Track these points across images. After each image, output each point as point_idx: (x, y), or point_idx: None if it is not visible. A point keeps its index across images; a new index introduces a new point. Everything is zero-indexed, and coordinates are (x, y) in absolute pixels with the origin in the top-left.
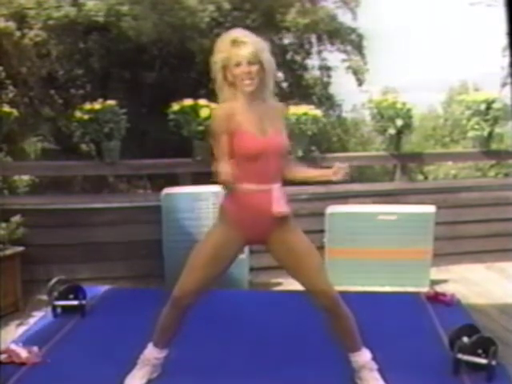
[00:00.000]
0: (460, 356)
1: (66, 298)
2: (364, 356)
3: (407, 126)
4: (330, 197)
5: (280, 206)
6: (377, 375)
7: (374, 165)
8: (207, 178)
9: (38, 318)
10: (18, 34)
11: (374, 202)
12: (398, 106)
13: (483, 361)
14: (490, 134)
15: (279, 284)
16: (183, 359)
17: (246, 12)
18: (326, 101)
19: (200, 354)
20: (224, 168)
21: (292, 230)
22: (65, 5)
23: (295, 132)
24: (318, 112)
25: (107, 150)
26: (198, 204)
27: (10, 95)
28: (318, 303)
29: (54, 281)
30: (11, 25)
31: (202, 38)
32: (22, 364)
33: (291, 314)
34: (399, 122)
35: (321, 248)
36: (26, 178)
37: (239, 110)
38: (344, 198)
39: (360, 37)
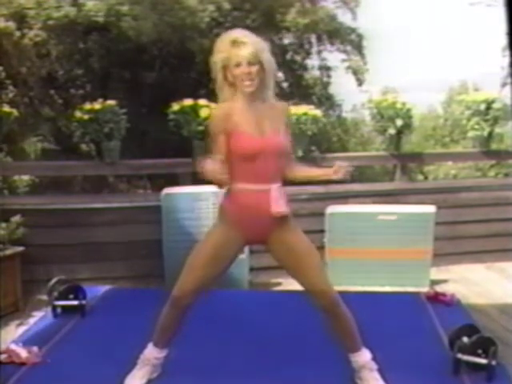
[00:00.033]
0: (460, 356)
1: (66, 298)
2: (364, 356)
3: (407, 126)
4: (329, 197)
5: (279, 206)
6: (377, 375)
7: (373, 165)
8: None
9: (38, 318)
10: (17, 34)
11: (374, 202)
12: (398, 106)
13: (483, 361)
14: (490, 134)
15: (279, 284)
16: (183, 359)
17: (246, 12)
18: (326, 101)
19: (200, 354)
20: (209, 165)
21: (292, 229)
22: (65, 5)
23: (295, 132)
24: (318, 112)
25: (107, 150)
26: (198, 204)
27: (10, 95)
28: (317, 303)
29: (54, 281)
30: (11, 25)
31: (202, 38)
32: (22, 364)
33: (291, 314)
34: (399, 122)
35: (321, 248)
36: (26, 178)
37: (237, 110)
38: (344, 197)
39: (360, 37)
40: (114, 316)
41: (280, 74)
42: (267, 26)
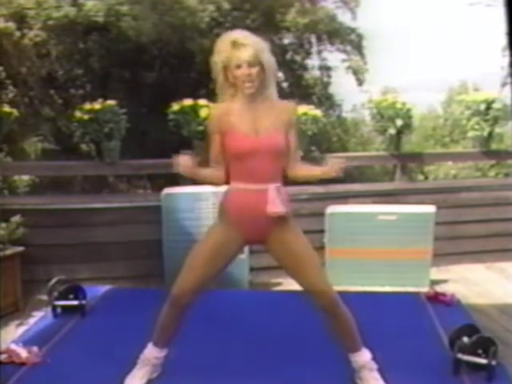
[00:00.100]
0: (460, 356)
1: (66, 298)
2: (364, 356)
3: (407, 126)
4: (330, 197)
5: (275, 206)
6: (377, 375)
7: (373, 165)
8: None
9: (38, 318)
10: (17, 34)
11: (374, 202)
12: (398, 106)
13: (483, 361)
14: (490, 134)
15: (279, 284)
16: (183, 359)
17: (246, 12)
18: (326, 101)
19: (200, 354)
20: (181, 160)
21: (291, 230)
22: (64, 5)
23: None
24: (318, 112)
25: (107, 150)
26: (198, 204)
27: (10, 95)
28: (316, 303)
29: (54, 281)
30: (11, 25)
31: (202, 38)
32: (22, 364)
33: (291, 314)
34: (399, 122)
35: (321, 248)
36: (26, 178)
37: (234, 111)
38: (344, 197)
39: (360, 37)
40: (114, 316)
41: (280, 74)
42: (267, 25)
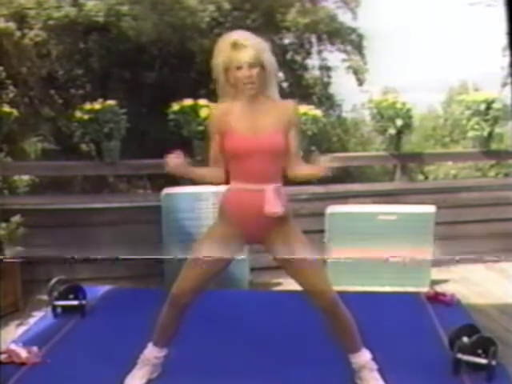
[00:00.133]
0: (460, 356)
1: (66, 298)
2: (364, 356)
3: (407, 126)
4: (330, 197)
5: (272, 207)
6: (377, 375)
7: (373, 165)
8: None
9: (38, 318)
10: (18, 34)
11: (374, 202)
12: (398, 106)
13: (483, 361)
14: (490, 134)
15: (279, 284)
16: (183, 359)
17: (246, 12)
18: (326, 101)
19: (200, 354)
20: (169, 160)
21: (291, 230)
22: (65, 5)
23: None
24: (318, 112)
25: (107, 150)
26: (198, 204)
27: (10, 95)
28: (316, 304)
29: (54, 281)
30: (11, 25)
31: (202, 38)
32: (22, 364)
33: (291, 314)
34: (399, 122)
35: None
36: (26, 178)
37: (234, 111)
38: (344, 197)
39: (360, 37)
40: (114, 316)
41: (280, 74)
42: (267, 25)
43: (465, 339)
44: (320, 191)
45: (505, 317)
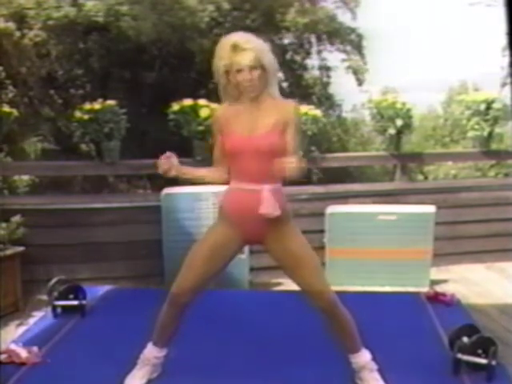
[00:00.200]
0: (460, 356)
1: (66, 298)
2: (364, 357)
3: (407, 126)
4: (329, 197)
5: (267, 208)
6: (377, 376)
7: (373, 165)
8: None
9: (38, 318)
10: (17, 34)
11: (374, 202)
12: (398, 106)
13: (483, 361)
14: (490, 134)
15: (279, 284)
16: (183, 359)
17: (246, 12)
18: (326, 101)
19: (200, 353)
20: (161, 162)
21: (290, 230)
22: (64, 5)
23: None
24: (318, 112)
25: (107, 150)
26: (198, 204)
27: (10, 95)
28: (314, 304)
29: (54, 281)
30: (11, 25)
31: (202, 38)
32: (22, 364)
33: (291, 314)
34: (399, 122)
35: (321, 248)
36: (25, 178)
37: (235, 111)
38: (344, 197)
39: (360, 37)
40: (114, 316)
41: (280, 74)
42: (267, 25)
43: (465, 339)
44: (320, 191)
45: (505, 317)
